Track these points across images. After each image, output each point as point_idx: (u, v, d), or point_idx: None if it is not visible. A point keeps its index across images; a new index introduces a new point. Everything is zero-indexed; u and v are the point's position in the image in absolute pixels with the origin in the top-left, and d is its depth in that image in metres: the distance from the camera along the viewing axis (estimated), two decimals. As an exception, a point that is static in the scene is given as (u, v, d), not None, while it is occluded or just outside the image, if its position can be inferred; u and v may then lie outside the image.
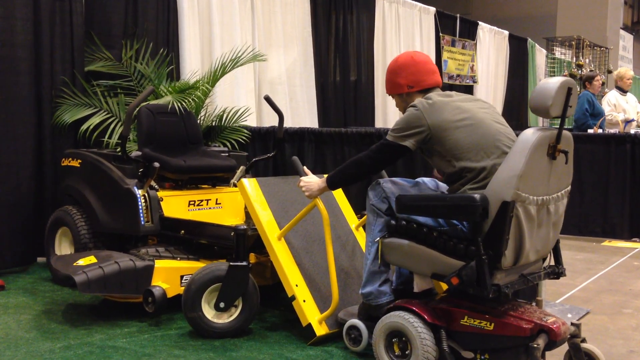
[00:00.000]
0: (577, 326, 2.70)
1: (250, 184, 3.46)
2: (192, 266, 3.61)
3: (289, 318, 3.56)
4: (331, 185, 3.03)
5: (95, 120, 4.83)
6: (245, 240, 3.27)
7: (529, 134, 2.53)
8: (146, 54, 5.26)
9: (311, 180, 3.10)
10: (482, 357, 2.63)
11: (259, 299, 3.31)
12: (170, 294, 3.47)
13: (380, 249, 2.88)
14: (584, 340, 2.72)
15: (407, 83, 2.96)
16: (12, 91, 4.45)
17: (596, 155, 5.94)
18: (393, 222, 2.83)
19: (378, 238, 2.91)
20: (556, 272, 2.87)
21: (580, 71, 12.37)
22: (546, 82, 2.55)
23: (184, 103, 4.61)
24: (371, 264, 2.95)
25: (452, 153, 2.73)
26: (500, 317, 2.60)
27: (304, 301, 3.15)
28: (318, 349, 3.10)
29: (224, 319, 3.26)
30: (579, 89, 8.71)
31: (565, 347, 2.70)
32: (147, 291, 3.40)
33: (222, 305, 3.21)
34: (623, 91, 7.80)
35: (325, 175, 3.09)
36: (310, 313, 3.14)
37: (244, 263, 3.22)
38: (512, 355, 2.56)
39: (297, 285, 3.18)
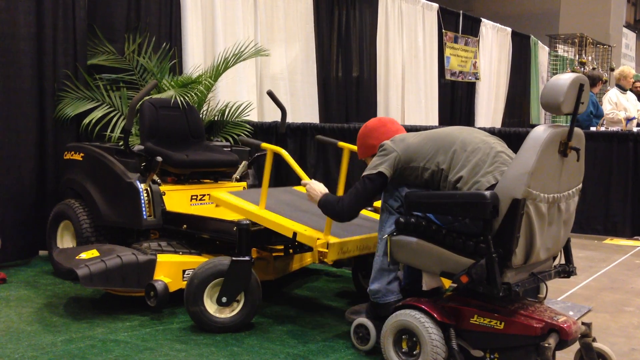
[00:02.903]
0: (588, 325, 2.67)
1: (223, 193, 3.67)
2: (194, 260, 3.61)
3: (290, 313, 3.56)
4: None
5: (97, 114, 4.82)
6: (247, 235, 3.27)
7: (540, 131, 2.50)
8: (149, 48, 5.25)
9: (317, 186, 3.15)
10: (492, 356, 2.61)
11: (261, 294, 3.31)
12: (172, 288, 3.47)
13: (389, 247, 2.85)
14: (594, 340, 2.69)
15: (379, 143, 3.05)
16: (15, 84, 4.45)
17: (598, 153, 5.93)
18: (402, 219, 2.79)
19: (386, 235, 2.89)
20: (567, 270, 2.84)
21: (582, 69, 12.35)
22: (558, 79, 2.52)
23: (186, 97, 4.60)
24: (380, 261, 2.94)
25: (422, 159, 2.82)
26: (510, 316, 2.57)
27: (305, 230, 3.24)
28: (320, 344, 3.10)
29: (226, 314, 3.26)
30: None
31: (575, 346, 2.69)
32: (149, 285, 3.40)
33: (224, 299, 3.22)
34: (623, 89, 7.79)
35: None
36: (316, 234, 3.20)
37: (247, 258, 3.22)
38: (522, 354, 2.54)
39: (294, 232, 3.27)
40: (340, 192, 3.48)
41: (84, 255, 3.45)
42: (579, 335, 2.62)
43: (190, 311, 3.23)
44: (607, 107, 7.71)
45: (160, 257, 3.53)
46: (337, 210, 2.99)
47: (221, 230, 3.69)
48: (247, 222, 3.30)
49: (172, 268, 3.53)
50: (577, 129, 2.61)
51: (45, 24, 4.61)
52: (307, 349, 3.05)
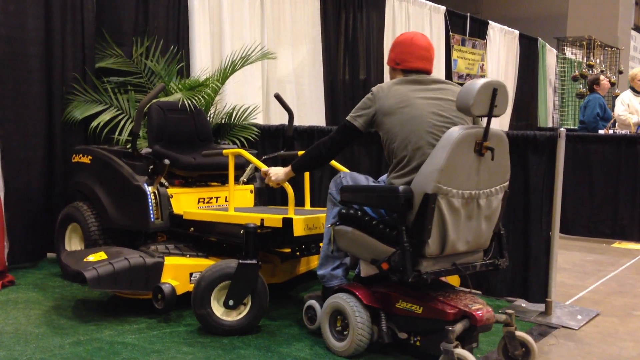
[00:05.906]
0: (510, 315, 2.85)
1: (195, 210, 4.01)
2: (201, 263, 3.62)
3: (297, 317, 3.56)
4: (296, 169, 3.25)
5: (105, 117, 4.84)
6: (254, 238, 3.28)
7: (454, 132, 2.68)
8: (156, 51, 5.27)
9: (277, 169, 3.32)
10: (415, 339, 2.84)
11: (268, 297, 3.32)
12: (179, 291, 3.48)
13: (332, 235, 3.07)
14: (517, 329, 2.86)
15: (394, 58, 3.11)
16: (23, 87, 4.47)
17: (606, 156, 5.92)
18: (343, 210, 3.00)
19: (330, 224, 3.10)
20: (495, 264, 2.98)
21: (590, 71, 12.30)
22: (472, 82, 2.68)
23: (194, 100, 4.61)
24: (325, 249, 3.16)
25: (388, 137, 2.92)
26: (428, 302, 2.79)
27: (271, 216, 3.43)
28: (326, 347, 3.10)
29: (233, 317, 3.27)
30: (587, 91, 8.69)
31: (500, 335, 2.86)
32: (157, 288, 3.41)
33: (231, 302, 3.22)
34: (636, 92, 7.74)
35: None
36: (280, 216, 3.38)
37: (254, 261, 3.23)
38: (439, 337, 2.69)
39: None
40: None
41: (91, 258, 3.46)
42: (493, 323, 2.78)
43: (198, 314, 3.24)
44: (619, 108, 7.66)
45: (168, 260, 3.54)
46: (319, 149, 3.11)
47: (228, 233, 3.69)
48: (254, 225, 3.31)
49: (179, 271, 3.54)
50: (497, 131, 2.78)
51: (53, 28, 4.63)
52: (314, 352, 3.05)
